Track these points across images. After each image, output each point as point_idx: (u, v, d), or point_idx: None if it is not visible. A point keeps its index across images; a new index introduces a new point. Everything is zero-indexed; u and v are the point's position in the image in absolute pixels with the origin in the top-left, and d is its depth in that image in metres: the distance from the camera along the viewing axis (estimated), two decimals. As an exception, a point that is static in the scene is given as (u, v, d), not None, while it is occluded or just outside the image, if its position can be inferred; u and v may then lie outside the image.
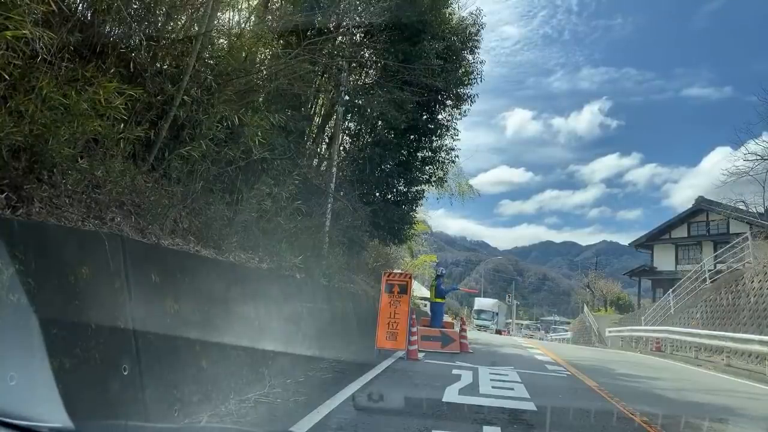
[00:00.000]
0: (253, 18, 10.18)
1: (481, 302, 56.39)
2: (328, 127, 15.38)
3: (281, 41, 10.45)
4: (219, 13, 8.51)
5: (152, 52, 6.93)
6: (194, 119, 7.12)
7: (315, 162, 14.87)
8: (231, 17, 9.52)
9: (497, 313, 53.56)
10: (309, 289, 9.47)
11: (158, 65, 7.08)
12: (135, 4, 6.70)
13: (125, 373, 4.03)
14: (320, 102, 14.59)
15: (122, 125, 5.89)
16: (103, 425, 1.66)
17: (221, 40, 8.88)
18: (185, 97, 6.86)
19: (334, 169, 13.91)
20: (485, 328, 48.27)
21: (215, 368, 5.19)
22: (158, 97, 6.69)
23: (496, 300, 61.65)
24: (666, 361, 17.82)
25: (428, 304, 17.01)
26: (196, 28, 7.51)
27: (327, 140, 15.62)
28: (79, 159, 5.22)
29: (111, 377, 3.92)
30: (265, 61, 9.84)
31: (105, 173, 5.41)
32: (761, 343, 14.40)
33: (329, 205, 13.16)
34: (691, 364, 16.42)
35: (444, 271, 16.41)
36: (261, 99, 9.05)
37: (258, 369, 6.19)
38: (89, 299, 3.92)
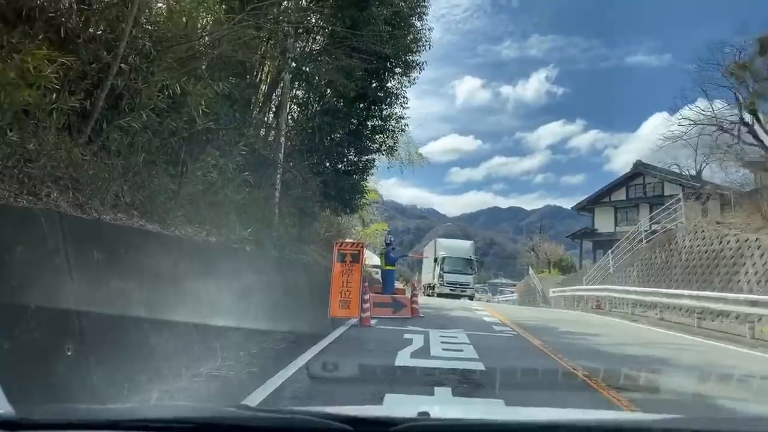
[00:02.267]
0: (192, -20, 9.71)
1: (449, 245, 36.87)
2: (275, 96, 15.02)
3: (224, 6, 10.02)
4: (155, -25, 8.08)
5: (84, 17, 6.53)
6: (133, 88, 6.80)
7: (262, 132, 14.54)
8: (168, -21, 9.05)
9: (475, 264, 36.19)
10: (260, 262, 9.39)
11: (92, 31, 6.70)
12: (62, -36, 6.28)
13: (69, 354, 3.92)
14: (266, 69, 14.20)
15: (54, 95, 5.57)
16: (47, 409, 1.62)
17: (159, 4, 8.46)
18: (122, 65, 6.54)
19: (283, 139, 13.66)
20: (459, 289, 32.34)
21: (165, 345, 5.12)
22: (93, 65, 6.35)
23: (471, 242, 40.64)
24: (605, 318, 18.80)
25: (380, 272, 17.18)
26: (131, -9, 7.11)
27: (274, 109, 15.28)
28: (9, 131, 4.91)
29: (54, 359, 3.81)
30: (207, 27, 9.46)
31: (38, 146, 5.13)
32: (690, 297, 15.39)
33: (278, 176, 12.96)
34: (628, 320, 17.39)
35: (393, 239, 16.59)
36: (204, 66, 8.73)
37: (210, 344, 6.14)
38: (27, 279, 3.76)
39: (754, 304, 12.42)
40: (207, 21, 9.49)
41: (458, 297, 30.28)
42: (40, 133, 5.28)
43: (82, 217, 5.09)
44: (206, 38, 8.99)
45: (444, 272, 33.49)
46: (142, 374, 4.55)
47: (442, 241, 38.70)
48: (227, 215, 8.91)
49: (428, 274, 37.70)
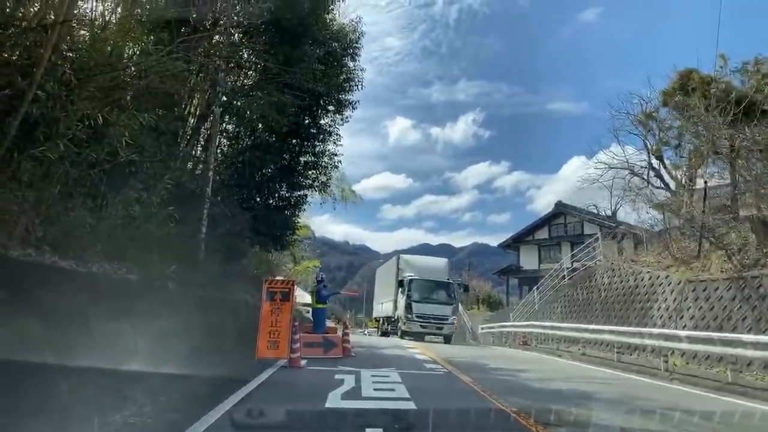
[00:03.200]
0: (119, 10, 9.47)
1: (419, 264, 27.15)
2: (205, 129, 14.69)
3: (152, 37, 9.82)
4: (80, 2, 7.80)
5: (-2, 41, 6.17)
6: (50, 117, 6.45)
7: (190, 165, 14.12)
8: (94, 7, 8.78)
9: (455, 291, 26.32)
10: (182, 301, 8.96)
11: (6, 55, 6.33)
12: (-24, -16, 5.93)
13: (-39, 406, 3.53)
14: (195, 102, 13.90)
15: (-42, 121, 5.18)
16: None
17: (82, 32, 8.15)
18: (39, 92, 6.20)
19: (211, 173, 13.33)
20: (434, 326, 23.83)
21: (74, 394, 4.72)
22: (6, 92, 5.99)
23: (446, 260, 30.32)
24: (531, 353, 19.28)
25: (310, 310, 16.84)
26: (52, 17, 6.81)
27: (203, 143, 14.92)
28: None
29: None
30: (134, 57, 9.19)
31: (-64, 176, 4.71)
32: (610, 332, 16.11)
33: (206, 211, 12.57)
34: (554, 355, 17.92)
35: (324, 276, 16.36)
36: (129, 97, 8.44)
37: (125, 390, 5.72)
38: None
39: (667, 338, 13.15)
40: (134, 51, 9.23)
41: (433, 335, 23.87)
42: (-60, 162, 4.86)
43: (-16, 254, 4.68)
44: (132, 68, 8.72)
45: (412, 301, 23.83)
46: (46, 427, 4.15)
47: (409, 259, 27.80)
48: (149, 251, 8.49)
49: (386, 303, 28.48)
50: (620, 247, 25.03)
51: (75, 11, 7.56)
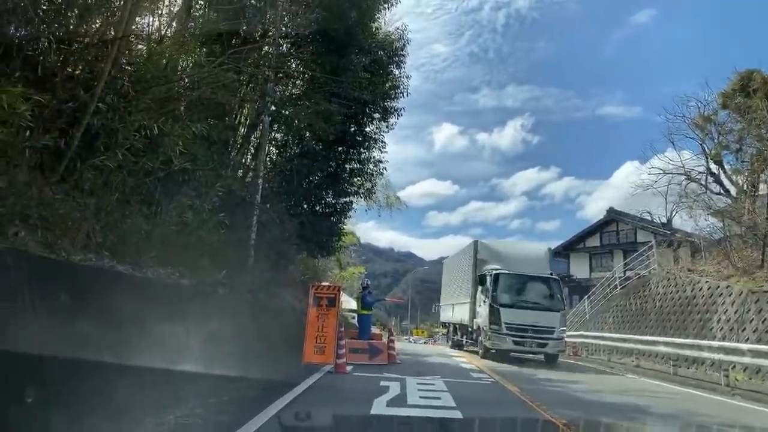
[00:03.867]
0: (174, 24, 9.86)
1: (509, 252, 18.92)
2: (254, 138, 15.08)
3: (204, 49, 10.17)
4: (138, 18, 8.17)
5: (63, 56, 6.53)
6: (109, 128, 6.76)
7: (240, 173, 14.51)
8: (151, 22, 9.17)
9: (561, 290, 18.08)
10: (232, 305, 9.19)
11: (70, 70, 6.69)
12: (44, 4, 6.30)
13: (29, 401, 3.72)
14: (245, 112, 14.29)
15: (28, 133, 5.50)
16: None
17: (140, 46, 8.52)
18: (100, 104, 6.51)
19: (260, 181, 13.63)
20: (535, 341, 16.24)
21: (130, 392, 4.90)
22: (69, 104, 6.31)
23: (547, 247, 21.61)
24: (582, 364, 18.73)
25: (356, 316, 16.91)
26: (113, 32, 7.16)
27: (253, 151, 15.31)
28: (-23, 169, 4.80)
29: (13, 405, 3.60)
30: (187, 69, 9.53)
31: (7, 184, 5.01)
32: (665, 344, 15.47)
33: (255, 218, 12.86)
34: (605, 366, 17.34)
35: (369, 283, 16.40)
36: (182, 108, 8.75)
37: (178, 391, 5.90)
38: (-14, 322, 3.60)
39: (727, 352, 12.52)
40: (187, 63, 9.58)
41: (532, 354, 17.00)
42: (11, 171, 5.17)
43: (49, 258, 4.94)
44: (185, 80, 9.05)
45: (500, 306, 16.50)
46: (105, 422, 4.33)
47: (493, 245, 19.86)
48: (201, 257, 8.75)
49: (458, 306, 21.24)
50: (676, 256, 24.03)
51: (133, 26, 7.92)
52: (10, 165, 5.23)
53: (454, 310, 21.91)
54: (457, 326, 21.47)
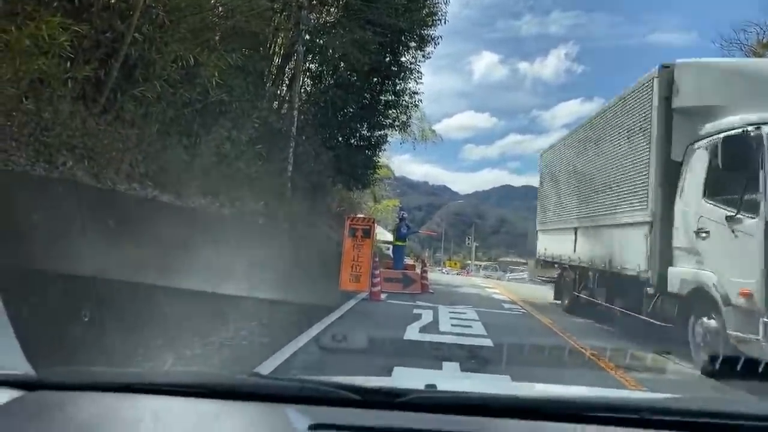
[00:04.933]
0: (206, -51, 9.59)
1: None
2: (288, 68, 14.92)
3: (237, -24, 9.92)
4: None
5: (98, -15, 6.48)
6: (147, 58, 6.79)
7: (275, 105, 14.49)
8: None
9: None
10: (271, 234, 9.46)
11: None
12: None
13: (86, 319, 4.01)
14: (280, 42, 14.06)
15: (69, 64, 5.59)
16: (65, 371, 1.67)
17: (173, -26, 8.37)
18: (136, 34, 6.51)
19: (295, 113, 13.60)
20: None
21: (178, 313, 5.21)
22: (107, 35, 6.34)
23: None
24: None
25: (390, 247, 17.23)
26: (146, -40, 7.04)
27: (287, 82, 15.19)
28: (24, 99, 4.95)
29: (71, 324, 3.90)
30: (221, -3, 9.37)
31: (53, 115, 5.17)
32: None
33: (291, 150, 12.95)
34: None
35: (406, 215, 16.56)
36: (217, 37, 8.67)
37: (222, 313, 6.24)
38: (43, 246, 3.83)
39: None
40: (221, -9, 9.40)
41: None
42: (56, 102, 5.31)
43: (97, 187, 5.15)
44: (220, 9, 8.93)
45: None
46: (156, 340, 4.65)
47: (722, 66, 7.84)
48: (240, 187, 8.95)
49: (592, 231, 10.38)
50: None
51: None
52: (54, 95, 5.36)
53: (580, 239, 11.15)
54: (590, 273, 10.48)
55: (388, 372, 4.60)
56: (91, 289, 4.14)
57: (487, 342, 6.71)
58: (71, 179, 4.70)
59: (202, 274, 5.84)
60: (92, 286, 4.15)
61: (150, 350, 4.49)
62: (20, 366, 1.41)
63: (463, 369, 5.18)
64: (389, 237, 20.28)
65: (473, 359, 5.74)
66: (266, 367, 4.70)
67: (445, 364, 5.26)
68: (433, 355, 5.87)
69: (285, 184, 12.53)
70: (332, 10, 15.44)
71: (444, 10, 17.11)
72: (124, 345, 4.26)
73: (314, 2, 14.23)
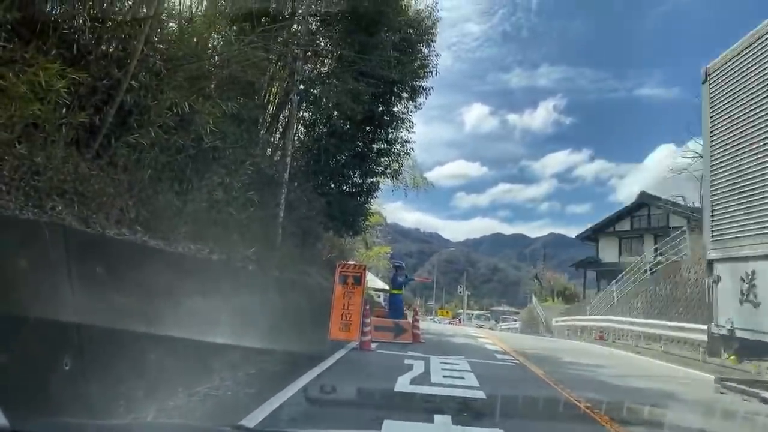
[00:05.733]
0: (204, 2, 9.90)
1: None
2: (283, 116, 15.16)
3: (234, 27, 10.21)
4: (169, -4, 8.23)
5: (97, 34, 6.63)
6: (142, 105, 6.87)
7: (268, 151, 14.63)
8: (182, 0, 9.23)
9: None
10: (261, 281, 9.35)
11: (104, 48, 6.79)
12: (78, -18, 6.40)
13: (67, 368, 3.88)
14: (274, 90, 14.35)
15: (64, 110, 5.64)
16: (42, 423, 1.59)
17: (171, 24, 8.60)
18: (133, 82, 6.62)
19: (288, 159, 13.73)
20: None
21: (162, 362, 5.07)
22: (104, 82, 6.43)
23: None
24: (608, 349, 18.56)
25: (381, 295, 17.10)
26: (145, 11, 7.23)
27: (281, 130, 15.40)
28: (17, 144, 4.96)
29: (51, 373, 3.76)
30: (218, 47, 9.61)
31: (45, 159, 5.16)
32: (696, 331, 15.20)
33: (283, 196, 13.00)
34: (632, 352, 17.16)
35: (401, 263, 16.47)
36: (213, 86, 8.83)
37: (207, 362, 6.08)
38: (28, 292, 3.74)
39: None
40: (217, 41, 9.64)
41: None
42: (49, 147, 5.32)
43: (86, 231, 5.10)
44: (216, 58, 9.12)
45: None
46: (138, 390, 4.50)
47: None
48: (231, 234, 8.91)
49: None
50: (710, 241, 23.34)
51: (165, 5, 7.99)
52: (48, 141, 5.38)
53: None
54: None
55: (378, 425, 4.47)
56: (73, 337, 4.02)
57: (480, 394, 6.55)
58: (60, 224, 4.66)
59: (188, 322, 5.72)
60: (75, 333, 4.04)
61: (132, 401, 4.34)
62: (-7, 417, 1.35)
63: (455, 422, 5.03)
64: (380, 284, 20.18)
65: (465, 412, 5.59)
66: (252, 419, 4.55)
67: (437, 417, 5.11)
68: (425, 407, 5.71)
69: (276, 231, 12.50)
70: (326, 61, 15.86)
71: (435, 63, 17.67)
72: (105, 395, 4.12)
73: (309, 54, 14.61)
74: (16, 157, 4.84)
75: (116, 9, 7.14)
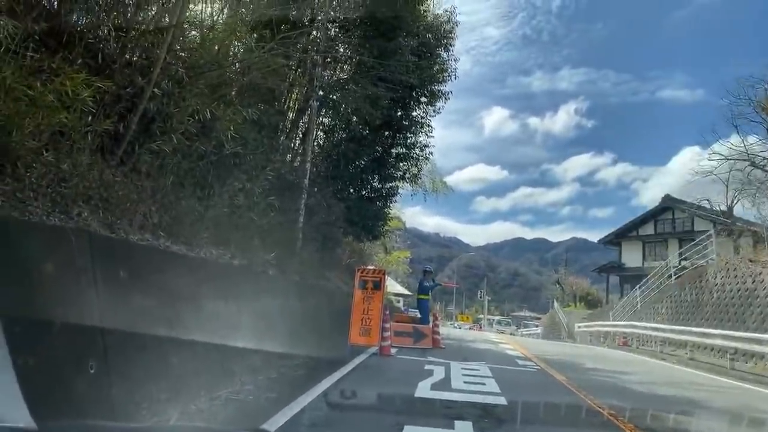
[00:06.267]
0: (225, 10, 10.03)
1: None
2: (302, 122, 15.28)
3: (255, 34, 10.30)
4: (191, 5, 8.36)
5: (121, 43, 6.78)
6: (165, 112, 6.99)
7: (288, 157, 14.76)
8: (203, 9, 9.37)
9: None
10: (281, 286, 9.41)
11: (128, 57, 6.93)
12: (103, -7, 6.54)
13: (92, 371, 3.95)
14: (294, 97, 14.48)
15: (90, 118, 5.75)
16: (67, 425, 1.62)
17: (193, 33, 8.74)
18: (156, 89, 6.73)
19: (308, 165, 13.82)
20: None
21: (185, 366, 5.12)
22: (127, 90, 6.56)
23: None
24: (632, 355, 18.25)
25: (401, 300, 17.05)
26: (167, 20, 7.37)
27: (301, 135, 15.52)
28: (45, 152, 5.08)
29: (77, 375, 3.83)
30: (238, 55, 9.72)
31: (71, 167, 5.28)
32: (722, 337, 14.87)
33: (303, 201, 13.08)
34: (656, 358, 16.84)
35: (430, 268, 16.38)
36: (234, 93, 8.94)
37: (229, 366, 6.12)
38: (54, 296, 3.82)
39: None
40: (238, 49, 9.76)
41: None
42: (75, 154, 5.44)
43: (110, 237, 5.19)
44: (237, 66, 9.23)
45: None
46: (162, 393, 4.55)
47: None
48: (251, 239, 8.98)
49: None
50: (737, 246, 22.91)
51: (187, 13, 8.12)
52: (74, 148, 5.50)
53: None
54: None
55: (399, 431, 4.45)
56: (98, 340, 4.09)
57: (501, 400, 6.48)
58: (85, 229, 4.75)
59: (209, 326, 5.78)
60: (100, 336, 4.11)
61: (155, 404, 4.39)
62: (23, 418, 1.38)
63: (476, 429, 4.99)
64: (400, 289, 20.14)
65: (487, 418, 5.53)
66: (273, 424, 4.56)
67: (458, 423, 5.07)
68: (445, 413, 5.67)
69: (296, 236, 12.57)
70: (345, 67, 15.96)
71: (454, 67, 17.65)
72: (129, 398, 4.18)
73: (328, 60, 14.71)
74: (43, 164, 4.95)
75: (140, 18, 7.28)
